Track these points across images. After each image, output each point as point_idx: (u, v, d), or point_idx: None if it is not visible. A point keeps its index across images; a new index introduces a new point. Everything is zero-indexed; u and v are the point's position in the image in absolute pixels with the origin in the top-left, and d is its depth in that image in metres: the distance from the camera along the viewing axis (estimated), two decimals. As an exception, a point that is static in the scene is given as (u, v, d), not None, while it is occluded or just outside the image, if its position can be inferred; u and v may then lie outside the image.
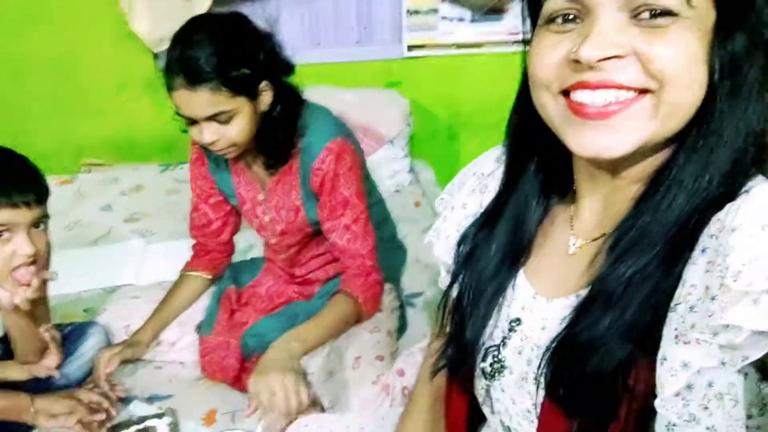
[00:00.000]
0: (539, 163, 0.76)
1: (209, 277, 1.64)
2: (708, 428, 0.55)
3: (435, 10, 2.79)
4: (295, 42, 2.88)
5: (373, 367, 1.40)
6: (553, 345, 0.66)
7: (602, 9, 0.58)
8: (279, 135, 1.39)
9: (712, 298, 0.53)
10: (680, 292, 0.57)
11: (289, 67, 1.42)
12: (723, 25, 0.58)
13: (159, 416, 1.40)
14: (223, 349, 1.54)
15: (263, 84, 1.33)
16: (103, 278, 1.97)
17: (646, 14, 0.57)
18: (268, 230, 1.54)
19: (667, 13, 0.57)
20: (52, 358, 1.43)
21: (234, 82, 1.27)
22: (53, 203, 2.53)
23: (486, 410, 0.79)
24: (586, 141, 0.61)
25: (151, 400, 1.49)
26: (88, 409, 1.36)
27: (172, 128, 1.43)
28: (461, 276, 0.80)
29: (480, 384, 0.78)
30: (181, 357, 1.59)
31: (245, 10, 2.77)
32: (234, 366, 1.52)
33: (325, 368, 1.41)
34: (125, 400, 1.47)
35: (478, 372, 0.78)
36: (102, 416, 1.36)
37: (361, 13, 2.86)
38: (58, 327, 1.50)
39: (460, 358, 0.79)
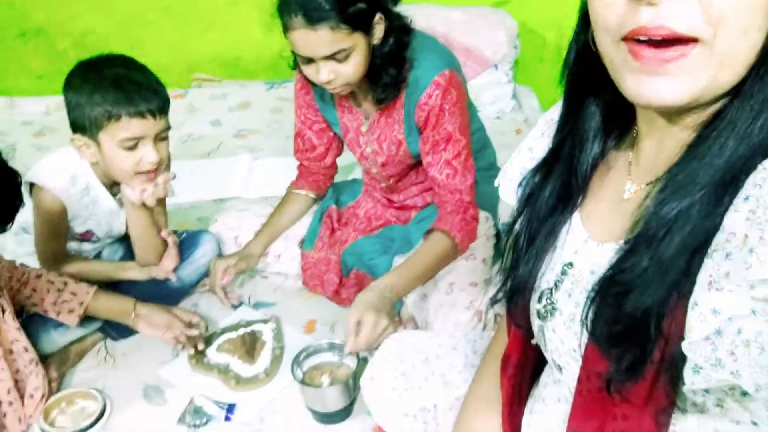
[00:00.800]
0: (597, 103, 0.73)
1: (313, 195, 1.71)
2: (732, 373, 0.55)
3: (551, -75, 2.63)
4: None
5: (466, 293, 1.43)
6: (597, 286, 0.66)
7: None
8: (390, 70, 1.38)
9: (751, 250, 0.52)
10: (719, 239, 0.56)
11: None
12: None
13: (264, 321, 1.51)
14: (324, 264, 1.62)
15: (377, 17, 1.32)
16: (214, 190, 2.09)
17: None
18: (369, 161, 1.57)
19: None
20: (170, 261, 1.56)
21: (352, 18, 1.26)
22: (169, 116, 2.68)
23: (543, 349, 0.82)
24: (640, 88, 0.59)
25: (257, 306, 1.61)
26: (185, 325, 1.47)
27: (278, 46, 1.44)
28: (521, 216, 0.81)
29: (535, 324, 0.80)
30: (285, 269, 1.69)
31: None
32: (333, 281, 1.61)
33: (419, 291, 1.47)
34: (237, 305, 1.60)
35: (533, 312, 0.80)
36: (196, 332, 1.47)
37: (473, -71, 2.75)
38: (174, 233, 1.63)
39: (514, 295, 0.81)
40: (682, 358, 0.59)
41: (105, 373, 1.44)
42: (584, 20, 0.67)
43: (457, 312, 1.42)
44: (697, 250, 0.58)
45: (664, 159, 0.67)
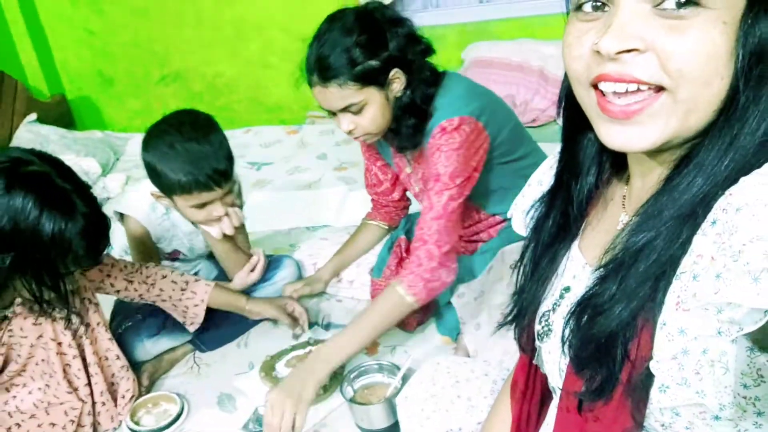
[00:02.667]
0: (591, 137, 0.76)
1: (385, 226, 1.82)
2: (698, 392, 0.56)
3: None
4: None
5: (516, 323, 1.46)
6: (573, 308, 0.70)
7: None
8: (409, 121, 1.44)
9: (718, 275, 0.53)
10: (686, 261, 0.58)
11: (426, 50, 1.46)
12: (752, 11, 0.55)
13: (330, 342, 1.62)
14: (390, 291, 1.71)
15: (394, 72, 1.39)
16: (309, 218, 2.26)
17: (670, 3, 0.55)
18: (420, 198, 1.64)
19: (692, 2, 0.54)
20: (254, 275, 1.76)
21: (361, 75, 1.36)
22: (281, 150, 2.92)
23: (543, 370, 0.85)
24: (612, 135, 0.62)
25: (328, 327, 1.74)
26: (290, 319, 1.65)
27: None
28: (527, 244, 0.85)
29: (536, 346, 0.84)
30: (357, 294, 1.81)
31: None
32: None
33: (473, 319, 1.52)
34: (309, 325, 1.73)
35: (535, 335, 0.83)
36: (299, 328, 1.65)
37: (575, -38, 2.76)
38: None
39: (519, 319, 0.85)
40: (650, 380, 0.62)
41: (189, 380, 1.62)
42: None
43: (506, 340, 1.44)
44: (661, 277, 0.61)
45: (647, 193, 0.69)
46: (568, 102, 0.75)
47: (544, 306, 0.83)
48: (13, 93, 3.04)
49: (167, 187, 1.52)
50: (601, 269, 0.69)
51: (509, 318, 0.90)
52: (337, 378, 1.53)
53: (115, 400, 1.48)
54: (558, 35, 2.44)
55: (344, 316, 1.77)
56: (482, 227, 1.69)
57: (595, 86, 0.62)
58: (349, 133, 1.46)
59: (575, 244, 0.81)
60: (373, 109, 1.41)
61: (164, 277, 1.60)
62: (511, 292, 0.92)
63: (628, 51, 0.57)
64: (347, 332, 1.40)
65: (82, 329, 1.39)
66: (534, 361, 0.88)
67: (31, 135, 2.90)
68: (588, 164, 0.78)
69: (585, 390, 0.68)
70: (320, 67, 1.38)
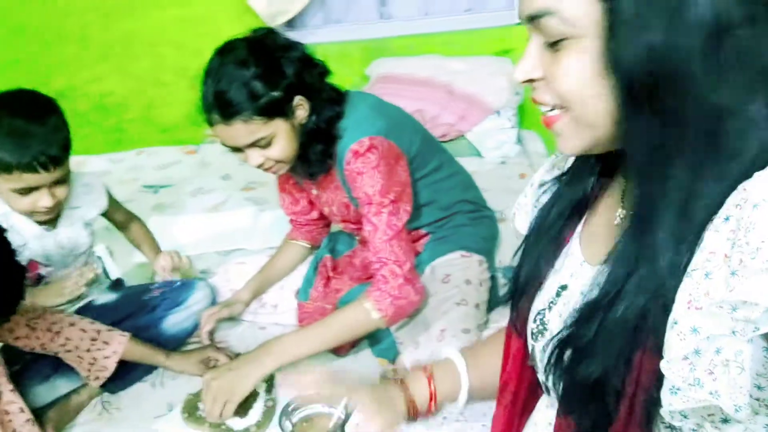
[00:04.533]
0: None
1: (308, 245, 1.73)
2: (711, 393, 0.55)
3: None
4: (405, 12, 2.91)
5: (457, 340, 1.42)
6: (552, 348, 0.71)
7: (531, 34, 0.65)
8: (316, 147, 1.41)
9: (733, 273, 0.53)
10: (698, 258, 0.57)
11: (323, 72, 1.43)
12: (611, 36, 0.59)
13: (259, 373, 1.51)
14: (319, 314, 1.62)
15: (296, 99, 1.36)
16: (219, 242, 2.12)
17: (553, 40, 0.62)
18: (331, 218, 1.62)
19: (564, 39, 0.61)
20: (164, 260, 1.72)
21: (265, 108, 1.31)
22: (180, 171, 2.76)
23: (536, 370, 0.83)
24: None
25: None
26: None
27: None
28: (532, 226, 0.86)
29: (530, 345, 0.82)
30: (282, 320, 1.70)
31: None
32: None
33: (411, 338, 1.46)
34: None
35: (529, 333, 0.82)
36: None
37: (473, -20, 2.82)
38: (171, 283, 1.70)
39: (516, 299, 0.86)
40: (657, 404, 0.60)
41: (100, 427, 1.44)
42: None
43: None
44: (649, 311, 0.61)
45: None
46: None
47: (540, 303, 0.81)
48: None
49: None
50: (578, 311, 0.69)
51: (505, 298, 0.93)
52: (270, 411, 1.42)
53: None
54: (461, 51, 2.49)
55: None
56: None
57: None
58: (259, 166, 1.40)
59: (575, 240, 0.80)
60: (282, 139, 1.36)
61: (72, 324, 1.42)
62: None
63: (531, 81, 0.66)
64: (304, 332, 1.37)
65: None
66: (528, 362, 0.85)
67: None
68: (594, 162, 0.80)
69: (580, 428, 0.68)
70: (220, 105, 1.31)
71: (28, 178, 1.37)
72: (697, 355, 0.55)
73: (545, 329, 0.78)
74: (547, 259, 0.82)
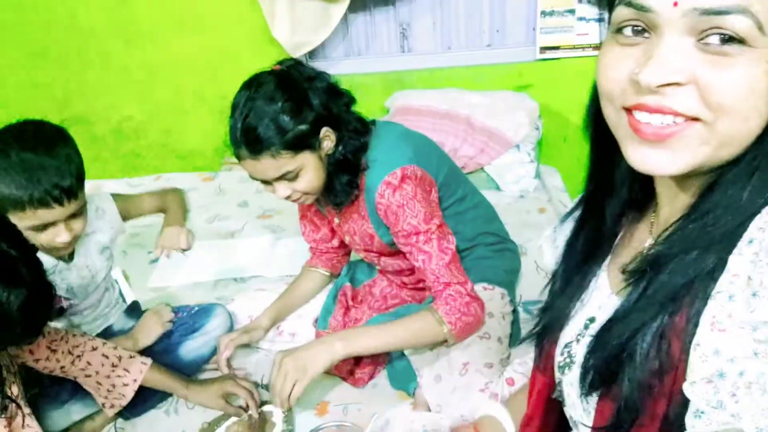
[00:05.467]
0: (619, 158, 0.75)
1: (327, 273, 1.71)
2: (733, 415, 0.55)
3: (572, 11, 2.70)
4: (426, 46, 2.93)
5: (480, 375, 1.39)
6: (593, 340, 0.70)
7: (668, 29, 0.57)
8: (342, 177, 1.41)
9: (754, 294, 0.53)
10: (722, 281, 0.57)
11: (349, 102, 1.43)
12: None
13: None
14: (339, 344, 1.59)
15: (323, 131, 1.36)
16: (236, 269, 2.10)
17: (715, 38, 0.55)
18: (352, 247, 1.61)
19: (736, 40, 0.55)
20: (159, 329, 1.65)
21: (293, 142, 1.31)
22: (197, 198, 2.76)
23: (563, 404, 0.81)
24: (642, 157, 0.62)
25: (268, 387, 1.58)
26: (236, 409, 1.47)
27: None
28: (559, 263, 0.85)
29: (557, 378, 0.81)
30: (300, 349, 1.66)
31: (378, 15, 2.88)
32: (347, 361, 1.57)
33: (432, 371, 1.43)
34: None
35: (556, 366, 0.81)
36: (251, 411, 1.45)
37: (494, 17, 2.84)
38: (188, 308, 1.68)
39: (543, 338, 0.85)
40: (684, 414, 0.60)
41: (112, 454, 1.42)
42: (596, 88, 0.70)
43: (472, 395, 1.36)
44: (681, 297, 0.62)
45: (674, 219, 0.68)
46: (596, 121, 0.74)
47: (567, 336, 0.80)
48: None
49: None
50: (619, 308, 0.69)
51: (534, 332, 0.88)
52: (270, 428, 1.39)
53: None
54: (481, 86, 2.51)
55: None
56: (427, 273, 1.62)
57: (627, 110, 0.61)
58: (287, 198, 1.40)
59: (603, 273, 0.79)
60: (309, 172, 1.37)
61: (94, 349, 1.40)
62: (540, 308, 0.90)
63: (669, 84, 0.57)
64: (375, 328, 1.39)
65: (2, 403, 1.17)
66: (554, 395, 0.83)
67: None
68: (621, 181, 0.77)
69: (609, 423, 0.68)
70: (249, 140, 1.31)
71: (43, 214, 1.31)
72: (721, 377, 0.55)
73: (572, 362, 0.77)
74: (575, 295, 0.81)
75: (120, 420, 1.50)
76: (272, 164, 1.32)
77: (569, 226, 0.88)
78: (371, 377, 1.56)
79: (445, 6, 2.86)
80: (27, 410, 1.24)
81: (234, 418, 1.45)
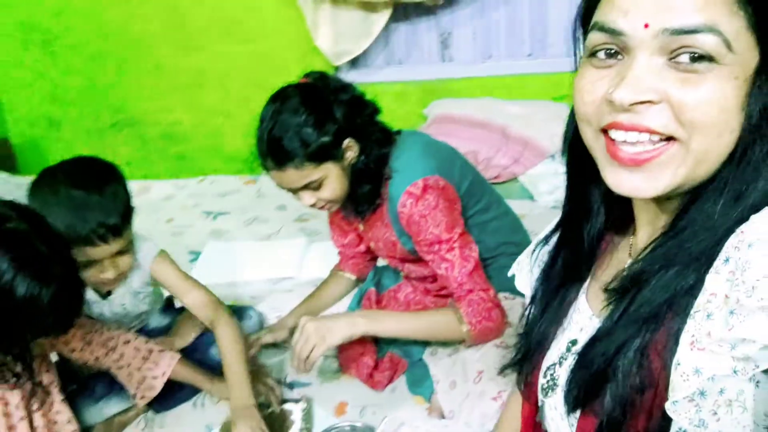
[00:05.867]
0: (597, 181, 0.75)
1: (354, 277, 1.76)
2: None
3: (613, 22, 2.68)
4: (466, 55, 2.96)
5: (494, 383, 1.40)
6: (576, 360, 0.71)
7: (640, 50, 0.59)
8: (364, 186, 1.46)
9: (732, 312, 0.54)
10: (700, 300, 0.58)
11: (373, 112, 1.48)
12: (764, 71, 0.57)
13: (296, 401, 1.53)
14: (360, 346, 1.63)
15: (346, 142, 1.41)
16: (269, 270, 2.17)
17: (685, 57, 0.57)
18: (377, 253, 1.65)
19: (706, 58, 0.56)
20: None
21: (316, 153, 1.36)
22: (238, 200, 2.85)
23: (546, 427, 0.81)
24: (620, 180, 0.63)
25: (292, 386, 1.64)
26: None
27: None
28: (536, 288, 0.85)
29: (540, 401, 0.81)
30: (324, 350, 1.72)
31: (420, 25, 2.92)
32: (368, 364, 1.61)
33: (448, 377, 1.46)
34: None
35: (539, 389, 0.81)
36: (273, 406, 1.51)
37: (535, 27, 2.84)
38: None
39: (524, 363, 0.85)
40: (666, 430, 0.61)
41: (142, 443, 1.49)
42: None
43: (485, 403, 1.39)
44: (662, 315, 0.63)
45: (654, 237, 0.69)
46: (573, 144, 0.75)
47: (550, 359, 0.81)
48: (-46, 134, 2.89)
49: None
50: (601, 326, 0.70)
51: (514, 360, 0.88)
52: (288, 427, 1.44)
53: None
54: (519, 95, 2.50)
55: (310, 374, 1.67)
56: (449, 280, 1.65)
57: (604, 131, 0.63)
58: (312, 206, 1.46)
59: (582, 297, 0.79)
60: (332, 181, 1.42)
61: (127, 342, 1.47)
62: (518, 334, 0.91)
63: (642, 102, 0.59)
64: (397, 314, 1.47)
65: (32, 389, 1.25)
66: (537, 418, 0.84)
67: (-30, 178, 2.74)
68: (598, 203, 0.78)
69: None
70: (274, 152, 1.38)
71: (89, 252, 1.34)
72: (703, 396, 0.56)
73: (555, 385, 0.77)
74: (554, 320, 0.81)
75: (150, 412, 1.57)
76: (296, 175, 1.38)
77: (545, 250, 0.88)
78: (390, 381, 1.60)
79: (486, 15, 2.88)
80: (59, 397, 1.32)
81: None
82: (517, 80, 2.86)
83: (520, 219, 1.77)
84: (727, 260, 0.58)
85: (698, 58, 0.57)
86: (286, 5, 2.88)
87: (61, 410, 1.33)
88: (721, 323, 0.55)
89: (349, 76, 2.98)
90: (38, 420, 1.28)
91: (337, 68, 2.94)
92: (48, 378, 1.30)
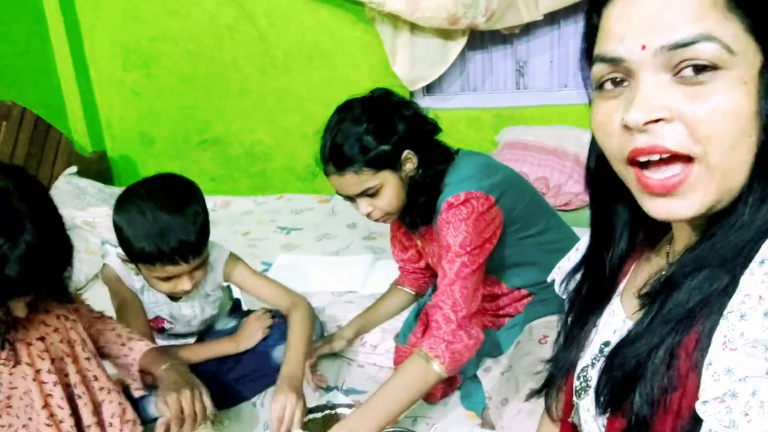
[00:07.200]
0: (622, 203, 0.77)
1: (413, 292, 1.80)
2: None
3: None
4: (542, 83, 2.97)
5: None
6: (606, 361, 0.70)
7: (643, 72, 0.60)
8: (420, 199, 1.49)
9: (766, 313, 0.54)
10: (734, 300, 0.58)
11: (434, 129, 1.53)
12: None
13: (349, 406, 1.56)
14: (415, 358, 1.66)
15: (405, 153, 1.46)
16: (335, 283, 2.23)
17: (689, 71, 0.58)
18: (434, 268, 1.66)
19: (709, 67, 0.57)
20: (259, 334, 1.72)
21: (374, 160, 1.42)
22: (311, 217, 2.94)
23: (581, 430, 0.81)
24: (658, 207, 0.64)
25: (348, 392, 1.68)
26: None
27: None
28: (565, 313, 0.87)
29: (574, 403, 0.82)
30: (380, 360, 1.76)
31: (496, 53, 2.96)
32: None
33: (500, 394, 1.46)
34: (327, 389, 1.68)
35: (573, 391, 0.82)
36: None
37: (612, 56, 2.83)
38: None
39: (551, 384, 0.87)
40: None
41: (202, 435, 1.56)
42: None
43: (534, 420, 1.38)
44: (694, 317, 0.63)
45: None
46: (596, 172, 0.77)
47: (583, 362, 0.82)
48: (56, 145, 3.13)
49: (131, 255, 1.46)
50: (634, 326, 0.70)
51: (541, 385, 0.90)
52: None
53: (101, 424, 1.31)
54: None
55: (365, 382, 1.71)
56: (507, 301, 1.66)
57: (632, 162, 0.64)
58: (368, 215, 1.50)
59: (617, 298, 0.80)
60: (389, 190, 1.47)
61: (113, 329, 1.46)
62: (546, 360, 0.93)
63: (656, 121, 0.59)
64: (367, 407, 1.32)
65: (63, 348, 1.26)
66: (571, 419, 0.85)
67: (70, 186, 2.96)
68: (620, 231, 0.79)
69: None
70: (335, 157, 1.45)
71: (170, 269, 1.44)
72: (734, 397, 0.56)
73: (588, 386, 0.78)
74: (575, 347, 0.83)
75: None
76: (355, 180, 1.44)
77: (576, 257, 0.90)
78: (444, 395, 1.61)
79: (563, 44, 2.89)
80: (85, 354, 1.30)
81: (311, 415, 1.55)
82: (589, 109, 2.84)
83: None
84: (762, 262, 0.58)
85: (702, 68, 0.57)
86: (365, 32, 2.99)
87: (88, 367, 1.31)
88: (755, 324, 0.55)
89: (424, 102, 3.05)
90: (73, 377, 1.27)
91: (412, 94, 3.01)
92: (73, 335, 1.29)
